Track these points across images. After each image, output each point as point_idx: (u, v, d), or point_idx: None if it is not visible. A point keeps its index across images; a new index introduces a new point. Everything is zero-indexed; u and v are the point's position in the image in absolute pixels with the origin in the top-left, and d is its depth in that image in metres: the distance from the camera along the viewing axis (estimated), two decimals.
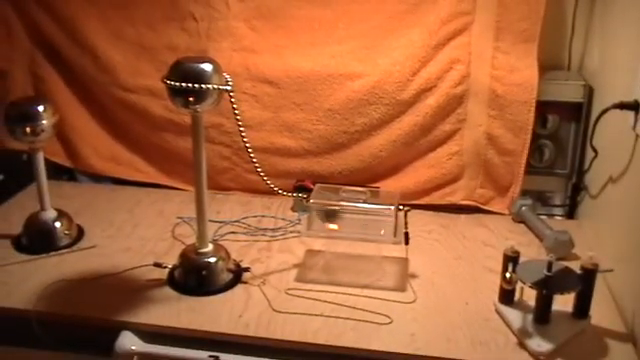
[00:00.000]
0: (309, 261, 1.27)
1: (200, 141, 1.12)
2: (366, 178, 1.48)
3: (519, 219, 1.42)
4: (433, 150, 1.44)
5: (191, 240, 1.24)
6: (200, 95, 1.06)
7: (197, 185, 1.14)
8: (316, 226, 1.20)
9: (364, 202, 1.20)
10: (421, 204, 1.45)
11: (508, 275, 1.08)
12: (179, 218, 1.42)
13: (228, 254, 1.22)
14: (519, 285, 1.09)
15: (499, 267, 1.11)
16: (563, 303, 1.09)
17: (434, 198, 1.46)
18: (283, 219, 1.43)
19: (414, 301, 1.15)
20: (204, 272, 1.18)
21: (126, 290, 1.17)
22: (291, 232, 1.37)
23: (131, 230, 1.38)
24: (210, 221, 1.24)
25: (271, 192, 1.22)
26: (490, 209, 1.45)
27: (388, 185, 1.46)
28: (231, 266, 1.22)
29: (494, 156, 1.41)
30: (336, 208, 1.20)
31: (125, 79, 1.49)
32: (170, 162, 1.55)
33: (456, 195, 1.45)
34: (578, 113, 1.42)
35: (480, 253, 1.31)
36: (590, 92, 1.40)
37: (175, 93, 1.07)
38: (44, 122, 1.24)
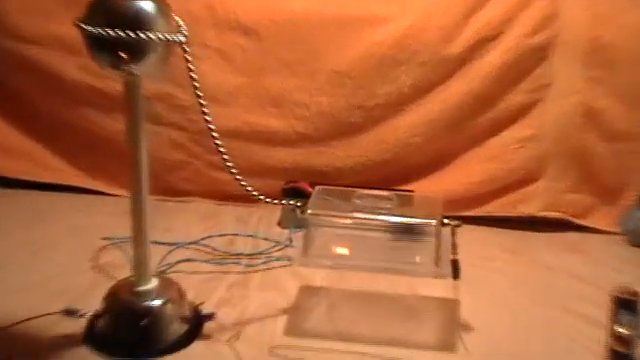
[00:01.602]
0: (306, 303, 1.26)
1: (138, 120, 1.09)
2: (392, 176, 1.47)
3: (637, 241, 1.41)
4: (495, 134, 1.44)
5: (124, 273, 1.23)
6: (137, 49, 1.02)
7: (134, 188, 1.11)
8: (317, 250, 1.18)
9: (389, 213, 1.19)
10: (477, 216, 1.45)
11: (622, 330, 1.05)
12: (105, 239, 1.41)
13: (182, 293, 1.20)
14: None
15: (603, 316, 1.09)
16: None
17: (497, 207, 1.46)
18: (266, 239, 1.42)
19: None
20: (144, 322, 1.14)
21: (22, 352, 1.13)
22: (278, 259, 1.37)
23: (29, 259, 1.37)
24: (155, 243, 1.23)
25: (248, 198, 1.19)
26: (588, 225, 1.46)
27: (426, 187, 1.46)
28: (186, 312, 1.19)
29: (596, 142, 1.41)
30: (346, 222, 1.19)
31: (19, 24, 1.48)
32: (92, 153, 1.55)
33: (532, 203, 1.45)
34: None
35: (571, 293, 1.30)
36: None
37: (98, 46, 1.02)
38: None
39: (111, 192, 1.54)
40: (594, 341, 1.13)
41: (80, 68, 1.46)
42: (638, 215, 1.41)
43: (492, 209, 1.45)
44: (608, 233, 1.43)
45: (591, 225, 1.45)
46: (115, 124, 1.47)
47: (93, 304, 1.18)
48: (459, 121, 1.42)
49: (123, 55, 1.02)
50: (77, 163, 1.56)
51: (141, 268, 1.14)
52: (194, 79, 1.08)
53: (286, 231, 1.43)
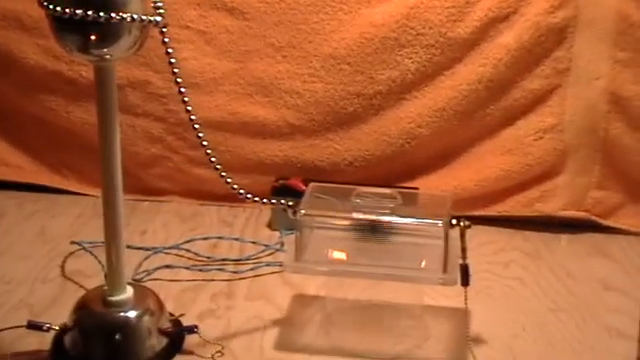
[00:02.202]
0: (299, 315, 1.27)
1: (110, 111, 1.09)
2: (395, 172, 1.48)
3: None
4: (510, 124, 1.44)
5: (95, 281, 1.24)
6: (109, 31, 1.03)
7: (106, 186, 1.12)
8: (311, 254, 1.18)
9: (392, 213, 1.19)
10: (490, 216, 1.46)
11: None
12: (74, 243, 1.41)
13: (160, 304, 1.20)
14: None
15: (635, 329, 1.10)
16: None
17: (512, 206, 1.47)
18: (254, 243, 1.43)
19: None
20: (118, 336, 1.15)
21: None
22: (268, 265, 1.38)
23: None
24: (130, 248, 1.25)
25: (234, 197, 1.21)
26: (615, 225, 1.46)
27: (432, 184, 1.47)
28: (165, 325, 1.19)
29: (623, 132, 1.42)
30: (348, 223, 1.20)
31: None
32: (57, 147, 1.56)
33: (552, 201, 1.45)
34: None
35: (599, 303, 1.29)
36: None
37: (65, 27, 1.03)
38: None
39: (80, 191, 1.54)
40: (624, 357, 1.13)
41: (43, 51, 1.45)
42: None
43: (506, 208, 1.45)
44: (638, 235, 1.44)
45: (618, 226, 1.45)
46: (84, 114, 1.47)
47: (60, 317, 1.18)
48: (469, 110, 1.42)
49: (93, 38, 1.01)
50: (40, 158, 1.56)
51: (114, 276, 1.14)
52: (173, 64, 1.07)
53: (276, 234, 1.44)
